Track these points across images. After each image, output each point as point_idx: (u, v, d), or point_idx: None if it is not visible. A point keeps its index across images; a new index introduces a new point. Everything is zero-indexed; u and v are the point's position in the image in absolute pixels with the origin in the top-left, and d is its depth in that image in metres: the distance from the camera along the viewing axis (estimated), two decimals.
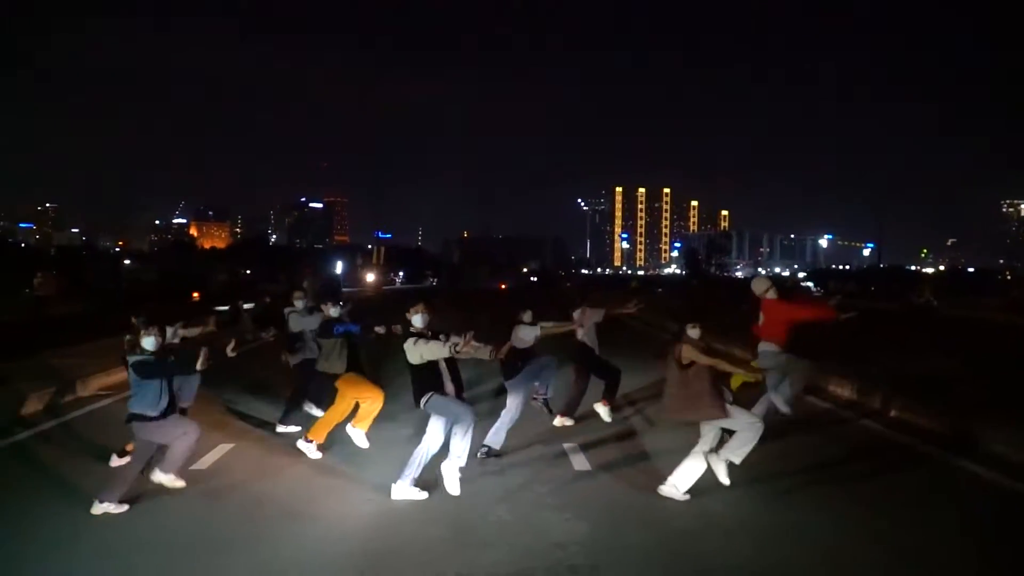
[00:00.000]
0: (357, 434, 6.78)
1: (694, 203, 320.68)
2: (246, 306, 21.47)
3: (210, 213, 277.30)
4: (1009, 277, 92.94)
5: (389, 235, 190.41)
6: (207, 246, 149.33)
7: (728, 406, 5.66)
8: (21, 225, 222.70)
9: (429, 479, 5.82)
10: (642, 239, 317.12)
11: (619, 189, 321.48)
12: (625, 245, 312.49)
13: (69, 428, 8.32)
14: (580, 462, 6.76)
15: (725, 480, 5.73)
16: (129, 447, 6.21)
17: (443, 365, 5.82)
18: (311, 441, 6.90)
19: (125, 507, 5.43)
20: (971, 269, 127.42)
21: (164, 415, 5.58)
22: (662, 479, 5.79)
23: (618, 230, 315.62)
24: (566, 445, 7.31)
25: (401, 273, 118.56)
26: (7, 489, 6.09)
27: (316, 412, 8.36)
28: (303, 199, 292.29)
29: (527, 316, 7.36)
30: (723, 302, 27.63)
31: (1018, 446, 6.73)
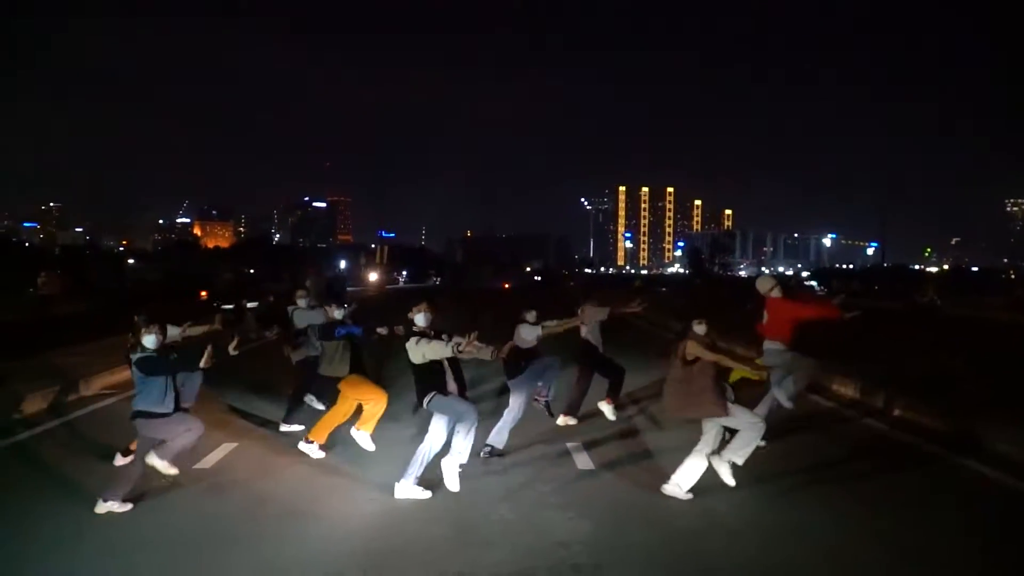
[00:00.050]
0: (362, 436, 6.77)
1: (698, 202, 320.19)
2: (250, 305, 21.49)
3: (214, 213, 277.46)
4: (1013, 276, 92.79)
5: (393, 234, 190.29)
6: (211, 245, 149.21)
7: (730, 405, 5.66)
8: (25, 224, 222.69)
9: (432, 478, 5.82)
10: (645, 238, 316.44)
11: (622, 188, 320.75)
12: (628, 244, 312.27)
13: (72, 427, 8.34)
14: (583, 461, 6.76)
15: (730, 481, 5.72)
16: (133, 446, 6.22)
17: (446, 364, 5.82)
18: (312, 442, 6.91)
19: (129, 506, 5.44)
20: (975, 268, 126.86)
21: (171, 412, 5.59)
22: (665, 478, 5.79)
23: (621, 229, 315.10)
24: (569, 444, 7.31)
25: (404, 272, 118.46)
26: (10, 488, 6.11)
27: (318, 405, 8.38)
28: (307, 198, 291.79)
29: (531, 316, 7.35)
30: (727, 301, 27.57)
31: (1022, 445, 6.71)
